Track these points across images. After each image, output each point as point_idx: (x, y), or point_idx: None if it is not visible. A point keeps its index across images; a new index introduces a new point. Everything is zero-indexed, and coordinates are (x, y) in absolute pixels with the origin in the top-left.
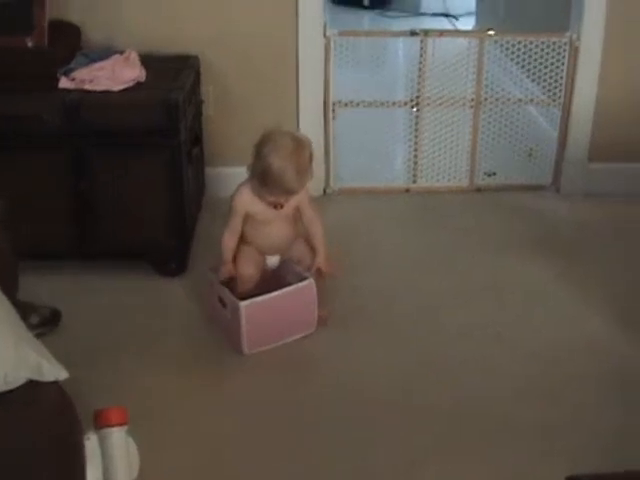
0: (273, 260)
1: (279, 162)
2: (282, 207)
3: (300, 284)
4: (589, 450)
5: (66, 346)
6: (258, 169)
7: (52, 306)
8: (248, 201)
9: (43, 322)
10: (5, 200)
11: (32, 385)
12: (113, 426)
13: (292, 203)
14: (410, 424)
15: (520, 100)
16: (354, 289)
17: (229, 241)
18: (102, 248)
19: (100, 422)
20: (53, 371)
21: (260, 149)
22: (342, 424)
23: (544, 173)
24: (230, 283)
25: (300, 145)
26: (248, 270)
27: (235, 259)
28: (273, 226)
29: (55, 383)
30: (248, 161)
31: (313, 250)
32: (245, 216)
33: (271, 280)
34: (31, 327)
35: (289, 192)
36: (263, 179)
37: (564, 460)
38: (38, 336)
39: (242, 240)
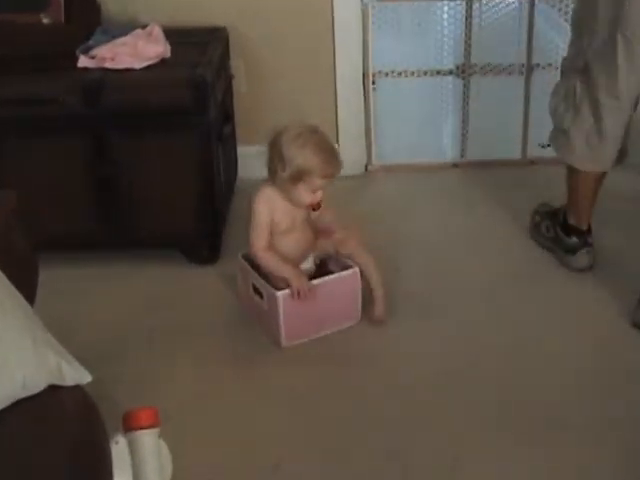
0: (307, 266)
1: (308, 151)
2: (319, 207)
3: (343, 272)
4: None
5: (93, 342)
6: (289, 172)
7: None
8: (273, 207)
9: None
10: (18, 191)
11: (52, 390)
12: (143, 428)
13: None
14: (459, 419)
15: None
16: (399, 274)
17: (269, 256)
18: (129, 237)
19: (130, 424)
20: (75, 374)
21: (280, 154)
22: (386, 420)
23: None
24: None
25: (312, 127)
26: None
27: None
28: (296, 234)
29: (77, 387)
30: None
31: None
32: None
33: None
34: None
35: (331, 175)
36: (299, 176)
37: (618, 461)
38: None
39: None
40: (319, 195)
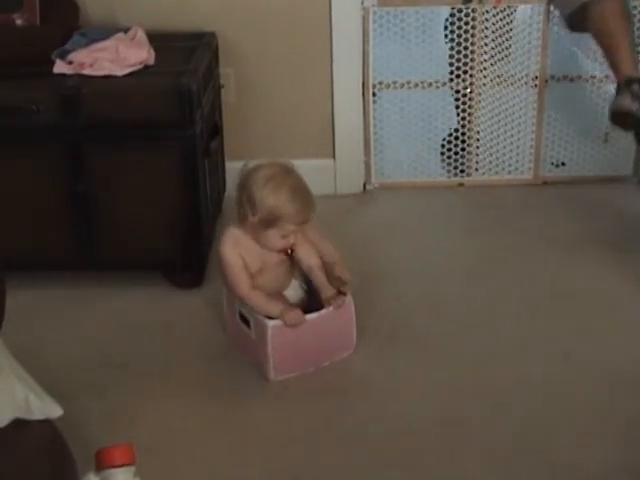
0: (294, 293)
1: (282, 195)
2: (293, 251)
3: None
4: None
5: (64, 372)
6: (259, 217)
7: None
8: (242, 249)
9: None
10: None
11: (18, 425)
12: (117, 466)
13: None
14: (461, 460)
15: (593, 77)
16: (398, 300)
17: (256, 295)
18: (106, 258)
19: (103, 462)
20: (44, 408)
21: (250, 197)
22: (384, 461)
23: (623, 162)
24: None
25: (286, 167)
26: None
27: None
28: (267, 274)
29: (46, 421)
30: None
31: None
32: None
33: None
34: None
35: (306, 220)
36: (270, 222)
37: None
38: None
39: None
40: (291, 239)
